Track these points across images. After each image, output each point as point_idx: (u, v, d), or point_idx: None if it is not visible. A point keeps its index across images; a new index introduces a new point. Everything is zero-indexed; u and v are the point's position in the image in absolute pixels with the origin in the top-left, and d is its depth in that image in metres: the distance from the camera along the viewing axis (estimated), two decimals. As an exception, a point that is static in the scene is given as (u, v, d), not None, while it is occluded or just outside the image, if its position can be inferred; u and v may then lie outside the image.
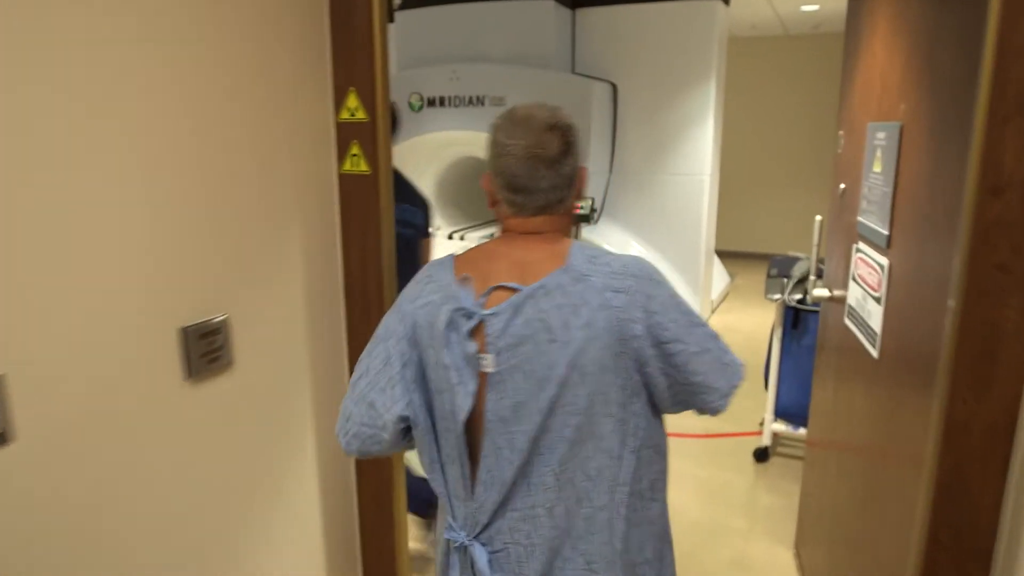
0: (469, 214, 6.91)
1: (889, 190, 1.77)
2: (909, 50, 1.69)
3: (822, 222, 2.58)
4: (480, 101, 5.85)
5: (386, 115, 1.81)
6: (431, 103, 6.03)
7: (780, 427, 3.66)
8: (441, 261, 1.26)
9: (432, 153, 6.20)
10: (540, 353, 1.12)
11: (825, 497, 2.39)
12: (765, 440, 3.70)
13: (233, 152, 1.56)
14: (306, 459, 1.89)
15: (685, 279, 6.10)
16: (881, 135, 1.86)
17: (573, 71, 6.10)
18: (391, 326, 1.25)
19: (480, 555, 1.19)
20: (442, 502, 1.28)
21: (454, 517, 1.24)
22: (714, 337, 1.21)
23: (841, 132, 2.37)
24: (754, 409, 4.29)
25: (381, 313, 1.88)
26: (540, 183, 1.17)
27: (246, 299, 1.64)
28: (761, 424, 3.99)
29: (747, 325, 6.31)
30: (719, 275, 7.16)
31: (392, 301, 1.91)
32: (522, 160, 1.16)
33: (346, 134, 1.81)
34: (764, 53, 8.60)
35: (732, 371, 1.22)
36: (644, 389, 1.19)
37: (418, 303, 1.22)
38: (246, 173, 1.60)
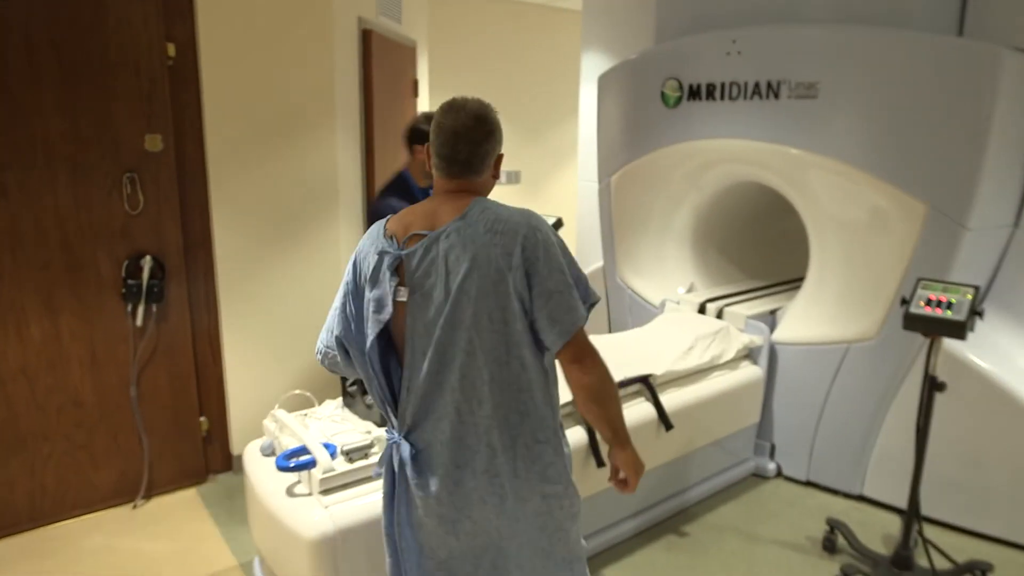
0: (746, 270, 4.51)
1: None
2: None
3: None
4: (773, 90, 3.46)
5: None
6: (694, 94, 3.80)
7: None
8: (382, 220, 1.71)
9: (691, 174, 3.96)
10: (439, 281, 1.55)
11: None
12: None
13: None
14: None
15: None
16: None
17: (960, 33, 3.39)
18: (348, 270, 1.71)
19: (404, 449, 1.63)
20: (379, 409, 1.72)
21: (390, 421, 1.69)
22: (569, 285, 1.57)
23: None
24: None
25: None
26: (459, 155, 1.60)
27: None
28: None
29: None
30: None
31: None
32: (449, 134, 1.60)
33: None
34: None
35: (571, 317, 1.56)
36: (524, 314, 1.56)
37: (360, 254, 1.69)
38: None
